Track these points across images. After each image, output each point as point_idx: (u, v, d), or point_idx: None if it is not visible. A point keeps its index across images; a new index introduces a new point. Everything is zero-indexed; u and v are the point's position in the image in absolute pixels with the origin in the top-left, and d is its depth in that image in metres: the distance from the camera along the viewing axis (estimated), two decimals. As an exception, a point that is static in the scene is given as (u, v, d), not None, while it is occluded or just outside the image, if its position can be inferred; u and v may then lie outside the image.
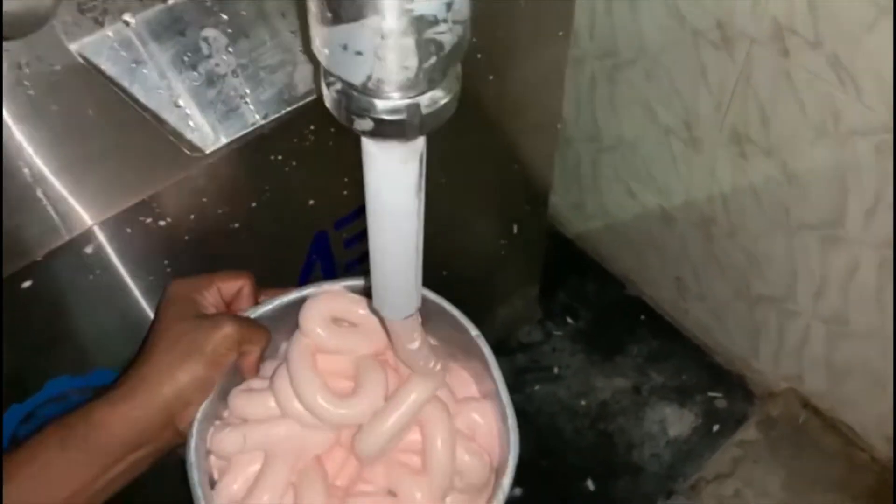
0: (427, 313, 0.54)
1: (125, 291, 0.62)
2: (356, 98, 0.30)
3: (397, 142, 0.33)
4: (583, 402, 1.28)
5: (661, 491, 1.19)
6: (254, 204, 0.65)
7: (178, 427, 0.51)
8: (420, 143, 0.34)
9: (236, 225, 0.65)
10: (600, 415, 1.27)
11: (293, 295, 0.57)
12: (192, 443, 0.51)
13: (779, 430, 1.21)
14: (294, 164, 0.64)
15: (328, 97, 0.31)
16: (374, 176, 0.35)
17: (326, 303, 0.56)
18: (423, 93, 0.30)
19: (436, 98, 0.31)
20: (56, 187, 0.47)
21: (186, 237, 0.62)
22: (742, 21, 0.90)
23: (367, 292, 0.56)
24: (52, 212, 0.48)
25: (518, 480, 1.22)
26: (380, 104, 0.30)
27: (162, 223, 0.59)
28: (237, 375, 0.54)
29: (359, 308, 0.57)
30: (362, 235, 0.79)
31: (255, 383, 0.55)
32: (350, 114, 0.31)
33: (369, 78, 0.29)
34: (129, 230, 0.57)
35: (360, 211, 0.75)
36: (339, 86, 0.30)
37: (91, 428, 0.48)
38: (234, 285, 0.57)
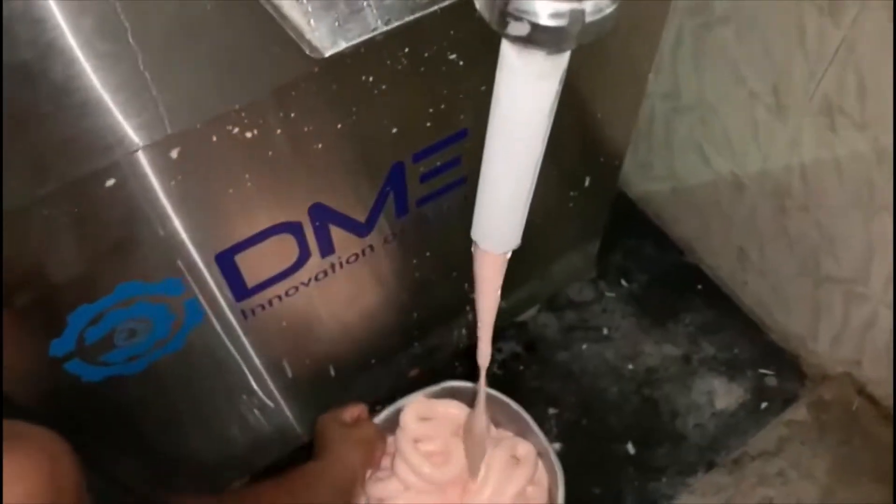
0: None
1: (203, 201, 0.61)
2: (515, -2, 0.28)
3: (544, 54, 0.30)
4: (630, 366, 1.26)
5: (701, 462, 1.17)
6: (339, 125, 0.63)
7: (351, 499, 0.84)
8: (565, 59, 0.32)
9: (319, 146, 0.63)
10: (647, 380, 1.25)
11: (393, 407, 0.96)
12: None
13: (830, 414, 1.18)
14: (384, 87, 0.62)
15: (481, -4, 0.29)
16: (508, 90, 0.33)
17: (416, 407, 0.93)
18: (589, -3, 0.27)
19: (601, 6, 0.28)
20: (159, 82, 0.46)
21: (269, 153, 0.60)
22: (854, -17, 0.85)
23: (438, 395, 0.96)
24: (152, 107, 0.47)
25: (558, 436, 1.21)
26: (541, 6, 0.27)
27: (248, 135, 0.57)
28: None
29: (436, 406, 0.95)
30: (438, 171, 0.77)
31: (381, 474, 0.93)
32: (505, 16, 0.28)
33: (538, -26, 0.26)
34: (215, 138, 0.56)
35: (440, 145, 0.73)
36: (497, -17, 0.28)
37: (304, 486, 0.76)
38: (356, 410, 0.90)
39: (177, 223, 0.61)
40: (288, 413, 0.98)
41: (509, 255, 0.46)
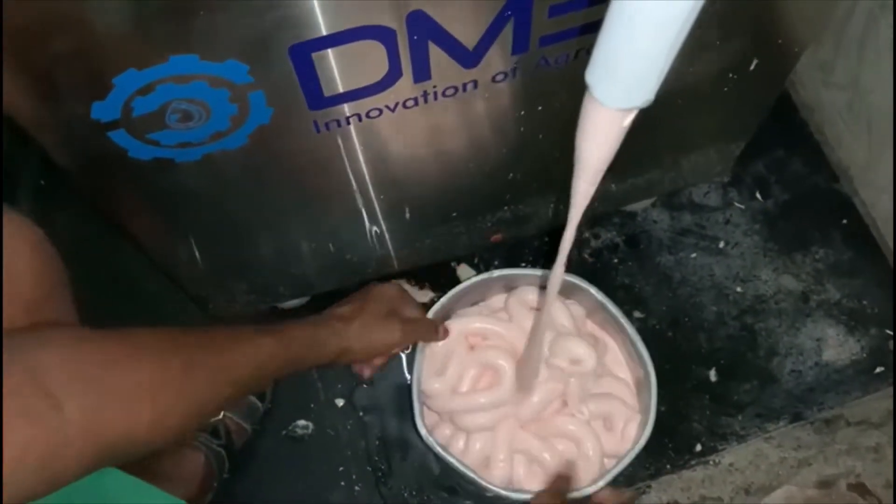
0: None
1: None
2: None
3: None
4: (738, 289, 1.12)
5: (787, 411, 1.05)
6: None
7: (353, 368, 0.79)
8: None
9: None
10: (752, 308, 1.11)
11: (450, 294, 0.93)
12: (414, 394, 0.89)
13: (956, 400, 1.02)
14: None
15: None
16: None
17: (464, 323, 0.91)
18: None
19: None
20: None
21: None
22: None
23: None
24: None
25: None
26: None
27: None
28: None
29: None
30: (574, 6, 0.63)
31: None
32: None
33: None
34: None
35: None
36: None
37: (311, 343, 0.68)
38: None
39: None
40: (350, 244, 0.90)
41: (632, 117, 0.33)
